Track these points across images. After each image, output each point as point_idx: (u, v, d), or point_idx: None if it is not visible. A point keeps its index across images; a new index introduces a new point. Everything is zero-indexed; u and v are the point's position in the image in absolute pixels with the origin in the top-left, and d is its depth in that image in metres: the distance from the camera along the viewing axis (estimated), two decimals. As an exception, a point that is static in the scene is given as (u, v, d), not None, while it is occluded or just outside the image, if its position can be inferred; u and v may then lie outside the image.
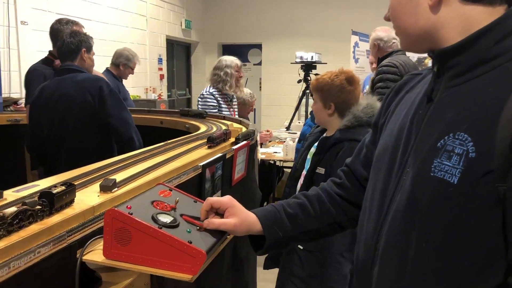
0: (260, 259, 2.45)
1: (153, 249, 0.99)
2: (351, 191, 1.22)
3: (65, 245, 1.01)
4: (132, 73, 4.64)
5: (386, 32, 3.70)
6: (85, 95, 2.57)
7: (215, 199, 1.13)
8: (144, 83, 7.45)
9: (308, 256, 2.21)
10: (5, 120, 3.50)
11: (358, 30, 7.04)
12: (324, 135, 2.32)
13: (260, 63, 9.98)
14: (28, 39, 4.78)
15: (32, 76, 3.25)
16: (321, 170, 2.16)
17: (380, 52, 3.73)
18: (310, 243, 2.13)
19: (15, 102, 4.31)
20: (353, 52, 7.01)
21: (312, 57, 6.57)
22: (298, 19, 9.28)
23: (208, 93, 4.14)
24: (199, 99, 4.19)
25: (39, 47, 3.67)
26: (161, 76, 8.14)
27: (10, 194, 1.20)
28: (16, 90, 4.64)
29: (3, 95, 4.24)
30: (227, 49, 9.68)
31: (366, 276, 0.96)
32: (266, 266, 2.52)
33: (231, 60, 4.24)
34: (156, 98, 7.20)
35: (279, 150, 5.22)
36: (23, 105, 3.72)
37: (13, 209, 0.98)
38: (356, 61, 7.03)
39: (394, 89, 1.12)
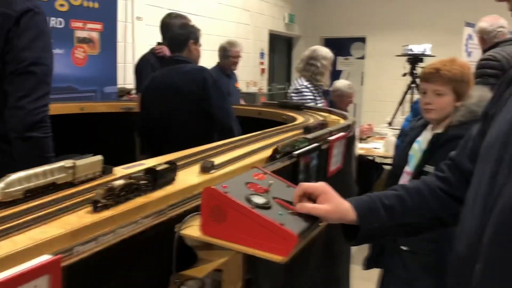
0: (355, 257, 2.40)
1: (246, 229, 1.01)
2: (455, 185, 1.13)
3: (165, 218, 1.07)
4: (235, 63, 4.67)
5: (490, 21, 3.27)
6: (191, 85, 2.71)
7: (308, 184, 1.12)
8: (246, 77, 7.65)
9: (412, 258, 2.11)
10: (119, 108, 3.81)
11: (472, 22, 6.54)
12: (434, 130, 2.17)
13: (362, 57, 9.72)
14: (142, 34, 5.15)
15: (141, 66, 3.52)
16: (430, 168, 2.02)
17: (485, 45, 3.30)
18: (415, 243, 2.04)
19: (128, 92, 4.69)
20: (466, 45, 6.53)
21: (424, 49, 6.24)
22: (406, 10, 8.87)
23: (302, 86, 3.99)
24: (294, 94, 4.02)
25: (151, 40, 3.96)
26: (262, 70, 8.29)
27: (119, 170, 1.30)
28: (130, 81, 5.03)
29: (118, 86, 4.63)
30: (330, 43, 9.56)
31: (466, 273, 0.89)
32: (367, 266, 2.45)
33: (327, 51, 4.05)
34: (256, 91, 7.36)
35: (378, 145, 5.04)
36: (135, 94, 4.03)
37: (121, 182, 1.06)
38: (469, 54, 6.54)
39: (506, 80, 1.03)
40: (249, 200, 1.04)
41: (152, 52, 3.62)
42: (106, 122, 3.56)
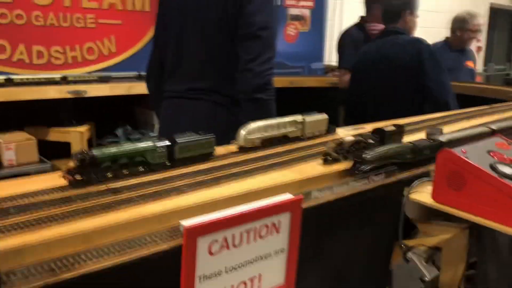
0: None
1: (489, 199, 0.90)
2: None
3: (394, 180, 1.03)
4: (471, 38, 4.01)
5: None
6: (404, 57, 2.57)
7: None
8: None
9: None
10: (326, 83, 3.87)
11: None
12: None
13: None
14: (350, 11, 5.11)
15: (343, 41, 3.47)
16: None
17: None
18: None
19: (332, 69, 4.73)
20: None
21: None
22: None
23: None
24: None
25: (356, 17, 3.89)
26: (478, 49, 7.43)
27: (341, 131, 1.31)
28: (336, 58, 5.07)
29: (325, 63, 4.70)
30: None
31: None
32: None
33: None
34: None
35: None
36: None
37: (351, 138, 1.05)
38: None
39: None
40: (494, 169, 0.92)
41: (356, 25, 3.54)
42: (313, 95, 3.67)
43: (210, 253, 0.71)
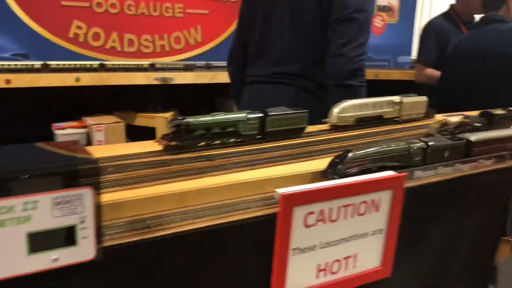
0: None
1: None
2: None
3: (506, 165, 0.92)
4: None
5: None
6: (505, 46, 2.36)
7: None
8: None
9: None
10: (411, 76, 3.68)
11: None
12: None
13: None
14: (440, 2, 4.82)
15: (427, 32, 3.23)
16: None
17: None
18: None
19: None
20: None
21: None
22: None
23: None
24: None
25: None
26: None
27: (440, 117, 1.21)
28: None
29: (412, 56, 4.48)
30: None
31: None
32: None
33: None
34: None
35: None
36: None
37: (456, 119, 0.97)
38: None
39: None
40: None
41: (443, 15, 3.30)
42: (398, 89, 3.50)
43: (306, 225, 0.67)
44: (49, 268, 0.46)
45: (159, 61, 3.05)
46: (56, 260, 0.46)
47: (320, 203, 0.67)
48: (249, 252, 0.68)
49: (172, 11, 3.15)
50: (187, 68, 2.96)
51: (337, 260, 0.72)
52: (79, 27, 2.89)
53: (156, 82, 2.80)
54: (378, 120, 1.08)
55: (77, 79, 2.59)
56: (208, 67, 3.04)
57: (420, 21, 4.76)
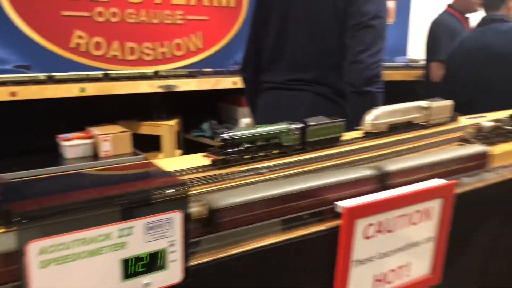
0: None
1: None
2: None
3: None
4: None
5: None
6: (508, 45, 2.39)
7: None
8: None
9: None
10: (410, 76, 3.71)
11: None
12: None
13: None
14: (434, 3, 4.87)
15: (439, 29, 3.22)
16: None
17: None
18: None
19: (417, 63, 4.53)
20: None
21: None
22: None
23: None
24: None
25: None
26: None
27: (463, 120, 1.23)
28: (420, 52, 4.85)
29: (408, 56, 4.51)
30: None
31: None
32: None
33: None
34: None
35: None
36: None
37: (490, 123, 0.98)
38: None
39: None
40: None
41: (447, 13, 3.30)
42: (396, 89, 3.52)
43: (366, 237, 0.67)
44: (140, 293, 0.46)
45: (162, 68, 3.04)
46: (147, 285, 0.46)
47: (379, 215, 0.68)
48: (309, 266, 0.68)
49: (172, 18, 3.15)
50: (191, 75, 2.96)
51: (392, 270, 0.73)
52: (80, 37, 2.87)
53: (160, 90, 2.80)
54: (408, 125, 1.09)
55: (82, 90, 2.57)
56: (215, 73, 3.04)
57: (415, 22, 4.81)
